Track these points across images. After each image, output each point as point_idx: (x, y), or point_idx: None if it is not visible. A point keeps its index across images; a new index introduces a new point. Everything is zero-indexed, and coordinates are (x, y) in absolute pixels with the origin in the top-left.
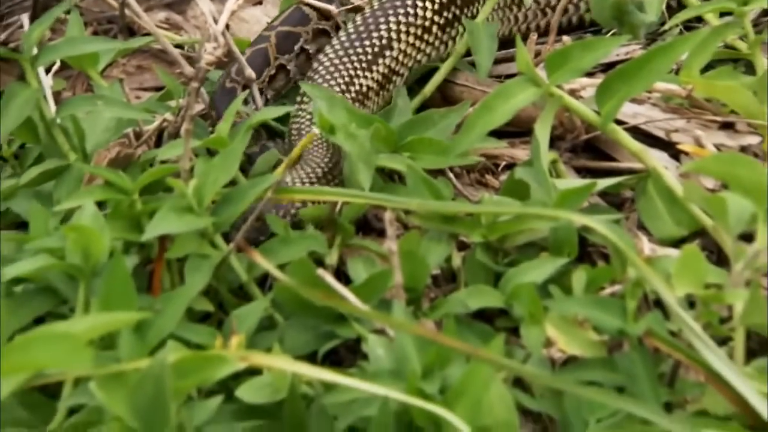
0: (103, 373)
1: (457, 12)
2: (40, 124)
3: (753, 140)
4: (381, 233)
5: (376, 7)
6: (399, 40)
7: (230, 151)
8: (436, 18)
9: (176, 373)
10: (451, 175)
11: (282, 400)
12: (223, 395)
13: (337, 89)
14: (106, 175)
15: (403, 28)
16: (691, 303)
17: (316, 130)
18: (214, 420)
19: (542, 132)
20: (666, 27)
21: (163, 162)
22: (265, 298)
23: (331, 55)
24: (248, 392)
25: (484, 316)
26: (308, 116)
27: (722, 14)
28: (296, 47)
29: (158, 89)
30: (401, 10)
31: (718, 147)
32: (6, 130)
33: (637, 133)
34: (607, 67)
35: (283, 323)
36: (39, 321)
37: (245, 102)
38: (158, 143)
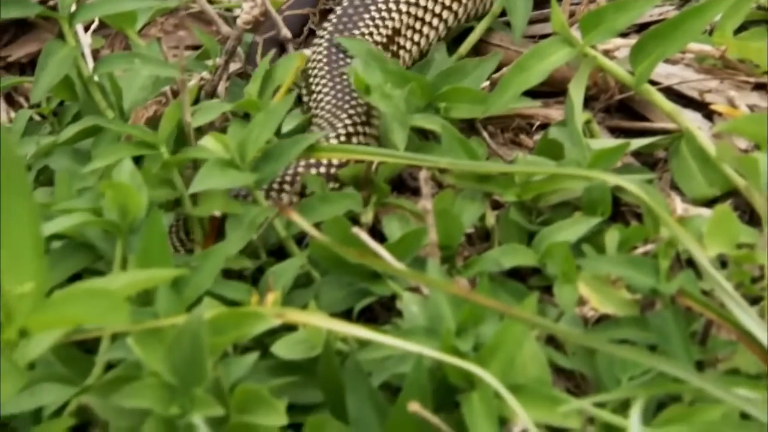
0: (141, 329)
1: None
2: (77, 82)
3: None
4: (415, 192)
5: None
6: None
7: (273, 109)
8: None
9: (212, 330)
10: (485, 134)
11: (317, 356)
12: (258, 351)
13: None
14: (131, 131)
15: None
16: (723, 263)
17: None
18: (249, 376)
19: (576, 92)
20: None
21: (197, 128)
22: (301, 256)
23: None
24: (283, 348)
25: (517, 274)
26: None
27: None
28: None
29: (195, 48)
30: None
31: (751, 108)
32: (44, 88)
33: (671, 93)
34: (641, 27)
35: (318, 281)
36: (76, 277)
37: None
38: (195, 102)
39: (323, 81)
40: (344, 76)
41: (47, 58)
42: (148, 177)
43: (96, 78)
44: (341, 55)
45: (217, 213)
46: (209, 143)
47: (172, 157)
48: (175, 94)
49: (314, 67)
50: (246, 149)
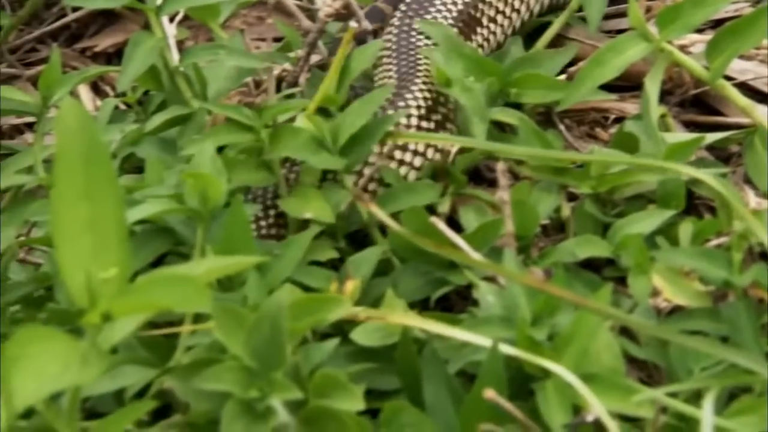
0: (222, 314)
1: None
2: (163, 72)
3: None
4: (491, 183)
5: None
6: None
7: (370, 98)
8: None
9: (292, 315)
10: (561, 127)
11: (394, 343)
12: (338, 338)
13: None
14: (232, 113)
15: None
16: None
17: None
18: (328, 361)
19: (652, 86)
20: None
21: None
22: (382, 244)
23: None
24: (362, 335)
25: (591, 265)
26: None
27: None
28: None
29: (277, 40)
30: None
31: None
32: (130, 77)
33: (745, 88)
34: (716, 23)
35: (397, 269)
36: (158, 260)
37: None
38: (277, 93)
39: (390, 64)
40: (411, 60)
41: (134, 49)
42: (245, 162)
43: (181, 68)
44: (410, 40)
45: (308, 215)
46: (304, 123)
47: (273, 145)
48: (258, 84)
49: (383, 55)
50: (339, 134)
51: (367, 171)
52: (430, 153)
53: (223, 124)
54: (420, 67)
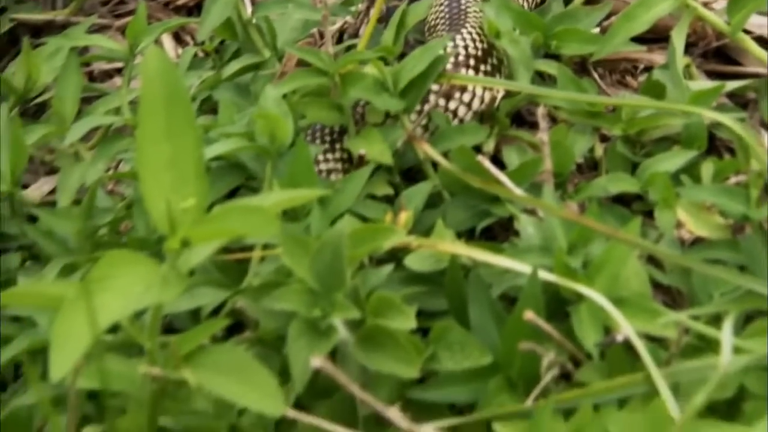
0: (289, 241)
1: None
2: (237, 24)
3: None
4: (532, 126)
5: None
6: None
7: (430, 47)
8: None
9: (351, 243)
10: (595, 75)
11: (444, 269)
12: (393, 264)
13: None
14: (311, 57)
15: None
16: None
17: None
18: (384, 285)
19: (678, 39)
20: None
21: None
22: (433, 179)
23: None
24: (415, 261)
25: (622, 200)
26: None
27: None
28: None
29: None
30: None
31: None
32: (209, 28)
33: (762, 41)
34: None
35: (446, 202)
36: (232, 193)
37: None
38: (338, 43)
39: (441, 17)
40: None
41: (212, 3)
42: (319, 102)
43: (254, 20)
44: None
45: (362, 151)
46: (370, 69)
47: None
48: (322, 35)
49: (434, 10)
50: (399, 78)
51: (426, 107)
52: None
53: (299, 70)
54: (469, 19)
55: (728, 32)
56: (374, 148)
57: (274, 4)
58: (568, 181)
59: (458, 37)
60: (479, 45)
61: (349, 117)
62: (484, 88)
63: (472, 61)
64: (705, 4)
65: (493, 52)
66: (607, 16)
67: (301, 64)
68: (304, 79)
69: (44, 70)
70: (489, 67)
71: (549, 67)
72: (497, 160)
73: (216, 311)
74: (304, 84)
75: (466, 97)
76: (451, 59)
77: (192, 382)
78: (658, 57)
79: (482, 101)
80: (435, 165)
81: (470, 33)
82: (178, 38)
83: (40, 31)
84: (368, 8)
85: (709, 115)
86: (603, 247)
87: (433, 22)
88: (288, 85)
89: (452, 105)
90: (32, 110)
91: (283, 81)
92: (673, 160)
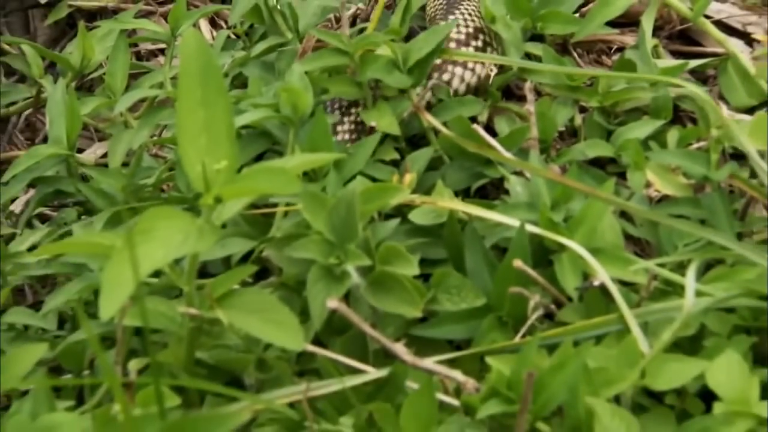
0: (309, 198)
1: None
2: (264, 9)
3: None
4: (519, 99)
5: None
6: None
7: (437, 29)
8: None
9: (363, 199)
10: (574, 54)
11: (442, 222)
12: (399, 219)
13: None
14: (333, 40)
15: None
16: (761, 155)
17: None
18: (391, 236)
19: (647, 23)
20: None
21: None
22: (433, 145)
23: None
24: (418, 216)
25: (598, 163)
26: None
27: None
28: None
29: None
30: None
31: None
32: (239, 13)
33: (720, 25)
34: None
35: (445, 165)
36: (259, 157)
37: None
38: (352, 26)
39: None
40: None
41: None
42: (342, 79)
43: (278, 6)
44: None
45: (373, 123)
46: (384, 51)
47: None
48: (337, 20)
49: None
50: (409, 57)
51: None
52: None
53: (321, 50)
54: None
55: (691, 17)
56: (384, 121)
57: None
58: (552, 146)
59: (451, 17)
60: (470, 24)
61: (367, 92)
62: (475, 63)
63: (463, 38)
64: None
65: (482, 34)
66: (585, 3)
67: (320, 44)
68: (327, 59)
69: (97, 49)
70: (480, 44)
71: (535, 48)
72: (490, 129)
73: (244, 259)
74: (327, 63)
75: (458, 70)
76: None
77: (224, 321)
78: (629, 39)
79: (476, 76)
80: (436, 132)
81: (462, 14)
82: (213, 22)
83: (94, 15)
84: None
85: (677, 82)
86: (582, 203)
87: (432, 13)
88: (313, 63)
89: (445, 77)
90: (87, 85)
91: (308, 59)
92: (643, 128)
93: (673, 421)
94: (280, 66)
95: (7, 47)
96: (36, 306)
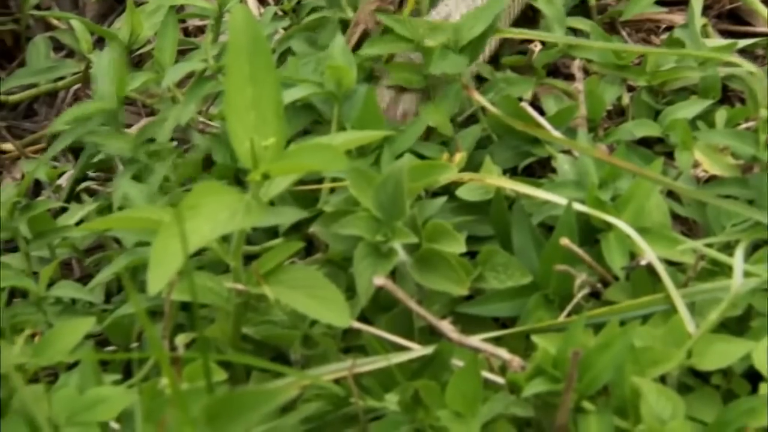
0: (356, 175)
1: None
2: None
3: None
4: (566, 77)
5: None
6: None
7: (487, 6)
8: None
9: (411, 177)
10: (624, 33)
11: (490, 199)
12: (446, 196)
13: None
14: (398, 27)
15: None
16: None
17: None
18: (438, 214)
19: (696, 2)
20: None
21: None
22: (482, 124)
23: None
24: (465, 193)
25: (646, 143)
26: None
27: None
28: None
29: None
30: None
31: None
32: None
33: None
34: None
35: (494, 143)
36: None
37: None
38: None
39: None
40: None
41: None
42: (403, 65)
43: None
44: None
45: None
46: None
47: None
48: None
49: None
50: (461, 36)
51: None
52: None
53: (386, 35)
54: None
55: None
56: (439, 118)
57: None
58: (599, 125)
59: None
60: None
61: (429, 81)
62: None
63: None
64: None
65: None
66: None
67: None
68: (389, 45)
69: (146, 25)
70: None
71: (581, 23)
72: (536, 106)
73: (289, 236)
74: (391, 49)
75: None
76: None
77: (271, 297)
78: (678, 18)
79: None
80: (483, 111)
81: None
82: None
83: None
84: None
85: (728, 59)
86: (629, 183)
87: None
88: (375, 48)
89: None
90: (135, 60)
91: (372, 42)
92: (691, 107)
93: (719, 402)
94: (323, 40)
95: (56, 22)
96: (83, 280)
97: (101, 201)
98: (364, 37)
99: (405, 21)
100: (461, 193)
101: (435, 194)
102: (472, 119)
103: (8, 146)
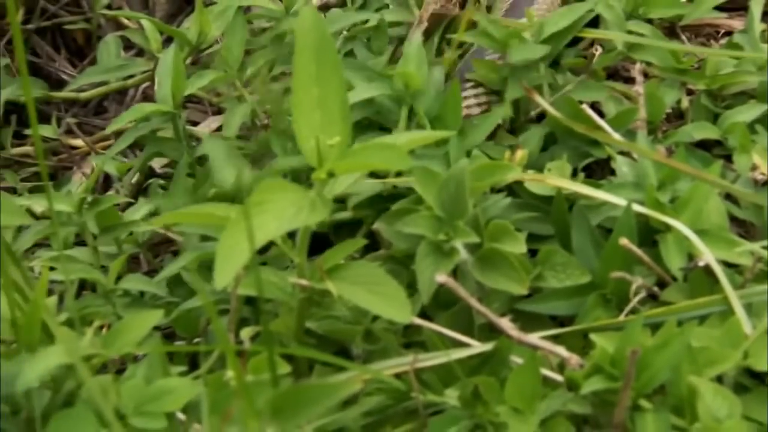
0: (421, 173)
1: None
2: None
3: None
4: (625, 81)
5: None
6: None
7: (574, 7)
8: None
9: (475, 177)
10: (683, 37)
11: (551, 197)
12: (508, 195)
13: None
14: (482, 21)
15: None
16: None
17: None
18: (500, 212)
19: (756, 7)
20: None
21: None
22: (543, 126)
23: None
24: (533, 185)
25: (704, 145)
26: None
27: None
28: None
29: None
30: None
31: None
32: None
33: None
34: None
35: (554, 144)
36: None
37: None
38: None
39: None
40: None
41: None
42: (485, 63)
43: None
44: None
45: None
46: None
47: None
48: None
49: None
50: (544, 29)
51: None
52: None
53: (471, 30)
54: None
55: None
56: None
57: None
58: (658, 128)
59: None
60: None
61: (508, 80)
62: None
63: None
64: None
65: None
66: None
67: (434, 17)
68: (475, 38)
69: (214, 25)
70: None
71: (640, 27)
72: (596, 109)
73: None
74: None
75: None
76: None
77: (334, 292)
78: (737, 23)
79: None
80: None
81: None
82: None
83: None
84: None
85: None
86: (688, 185)
87: None
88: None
89: None
90: (203, 59)
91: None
92: (750, 111)
93: None
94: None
95: (126, 22)
96: (150, 273)
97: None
98: (427, 36)
99: (493, 21)
100: (529, 185)
101: (498, 190)
102: (535, 119)
103: (78, 142)
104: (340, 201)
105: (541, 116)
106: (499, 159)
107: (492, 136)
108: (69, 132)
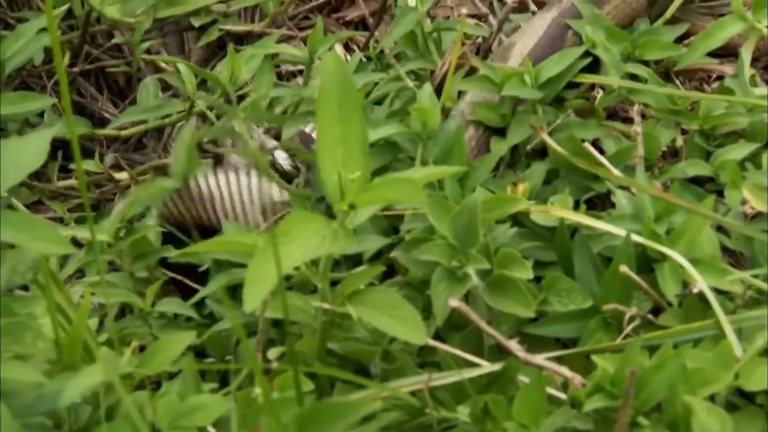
0: (435, 205)
1: None
2: (419, 36)
3: None
4: (624, 120)
5: None
6: None
7: (567, 53)
8: None
9: (483, 208)
10: (677, 81)
11: (555, 227)
12: (514, 224)
13: None
14: (489, 72)
15: None
16: None
17: None
18: (508, 242)
19: (746, 54)
20: None
21: None
22: (546, 162)
23: None
24: (538, 217)
25: (698, 181)
26: None
27: None
28: None
29: (472, 16)
30: None
31: None
32: (394, 38)
33: None
34: None
35: (558, 178)
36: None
37: None
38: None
39: None
40: None
41: (401, 18)
42: (487, 106)
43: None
44: None
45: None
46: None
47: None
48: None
49: None
50: (541, 74)
51: None
52: None
53: (476, 75)
54: None
55: None
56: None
57: (446, 22)
58: (655, 165)
59: None
60: None
61: (509, 116)
62: None
63: None
64: None
65: None
66: (687, 36)
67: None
68: (477, 84)
69: (244, 69)
70: None
71: (638, 69)
72: (597, 147)
73: (375, 260)
74: (477, 87)
75: None
76: None
77: (354, 316)
78: (728, 68)
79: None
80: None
81: None
82: (347, 47)
83: (241, 39)
84: (499, 29)
85: None
86: (683, 218)
87: None
88: (465, 85)
89: None
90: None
91: (464, 80)
92: (740, 150)
93: (764, 419)
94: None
95: (164, 65)
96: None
97: None
98: (442, 84)
99: (495, 68)
100: (535, 216)
101: (501, 221)
102: (536, 153)
103: (121, 175)
104: None
105: (538, 150)
106: (502, 193)
107: (496, 168)
108: (114, 166)
